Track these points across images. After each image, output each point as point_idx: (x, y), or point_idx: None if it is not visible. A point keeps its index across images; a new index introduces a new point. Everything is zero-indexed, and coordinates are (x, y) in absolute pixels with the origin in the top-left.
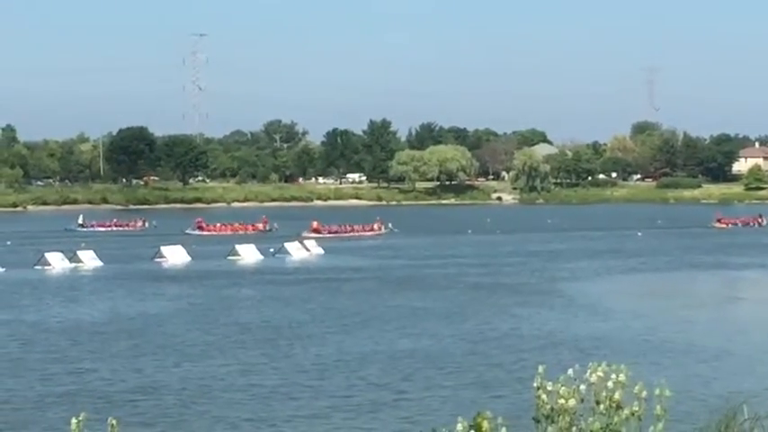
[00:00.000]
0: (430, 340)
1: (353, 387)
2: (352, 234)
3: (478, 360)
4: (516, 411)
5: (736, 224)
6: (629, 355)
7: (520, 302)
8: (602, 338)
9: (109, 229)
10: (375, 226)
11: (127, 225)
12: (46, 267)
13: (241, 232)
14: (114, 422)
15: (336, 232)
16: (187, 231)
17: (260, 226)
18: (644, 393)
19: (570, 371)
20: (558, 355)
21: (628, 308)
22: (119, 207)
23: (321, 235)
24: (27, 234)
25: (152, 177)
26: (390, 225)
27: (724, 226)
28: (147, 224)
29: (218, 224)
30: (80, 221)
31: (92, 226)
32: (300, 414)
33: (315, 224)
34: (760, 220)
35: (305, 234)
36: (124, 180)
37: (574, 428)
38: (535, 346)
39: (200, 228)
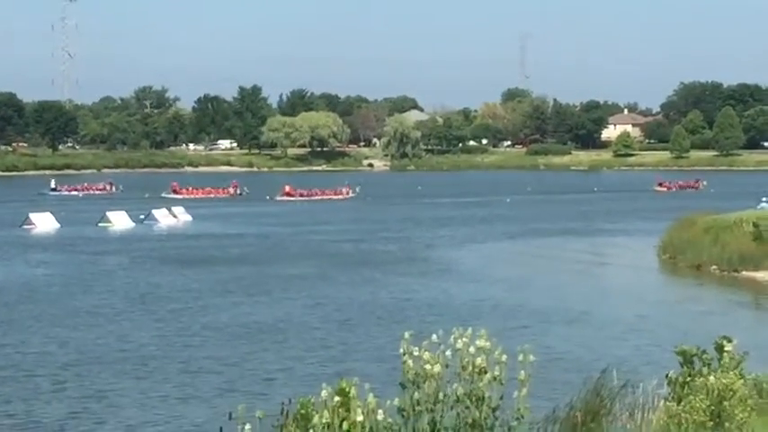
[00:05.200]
0: (301, 309)
1: (233, 356)
2: (321, 197)
3: (349, 328)
4: (387, 377)
5: (676, 188)
6: (496, 321)
7: (390, 270)
8: (471, 305)
9: (80, 192)
10: (344, 190)
11: (96, 189)
12: None
13: (213, 195)
14: None
15: (308, 195)
16: (163, 195)
17: (230, 190)
18: (504, 358)
19: (434, 336)
20: (427, 320)
21: (496, 274)
22: None
23: (293, 198)
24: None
25: (21, 144)
26: (358, 189)
27: (665, 189)
28: (114, 188)
29: (191, 188)
30: (52, 185)
31: (64, 189)
32: (174, 381)
33: (287, 188)
34: (696, 184)
35: (278, 197)
36: None
37: (440, 394)
38: (404, 313)
39: (175, 191)
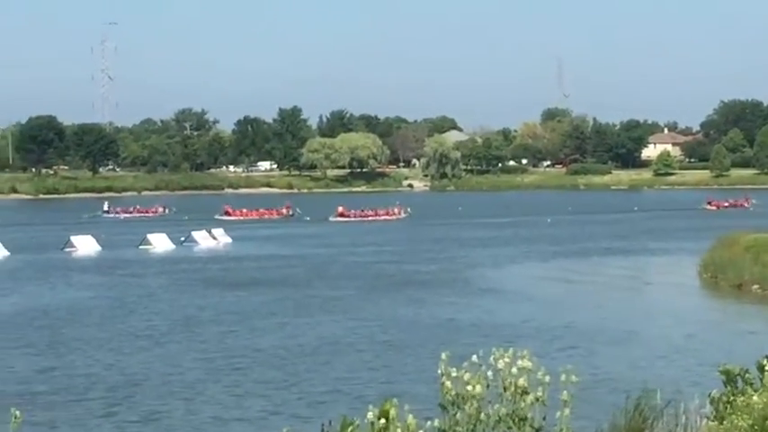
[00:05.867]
0: (345, 331)
1: (278, 379)
2: (374, 218)
3: (394, 349)
4: (433, 398)
5: (726, 206)
6: (533, 340)
7: (433, 291)
8: (508, 323)
9: (132, 215)
10: (395, 210)
11: (147, 211)
12: None
13: (266, 217)
14: (18, 413)
15: (361, 216)
16: (216, 216)
17: (283, 211)
18: (547, 378)
19: (474, 357)
20: (471, 341)
21: (539, 295)
22: (28, 197)
23: (347, 219)
24: (49, 220)
25: (61, 167)
26: (409, 209)
27: (714, 208)
28: (167, 210)
29: (245, 209)
30: (105, 208)
31: (116, 212)
32: (221, 403)
33: (341, 208)
34: (745, 203)
35: (331, 218)
36: (33, 170)
37: (482, 414)
38: (449, 334)
39: (228, 213)
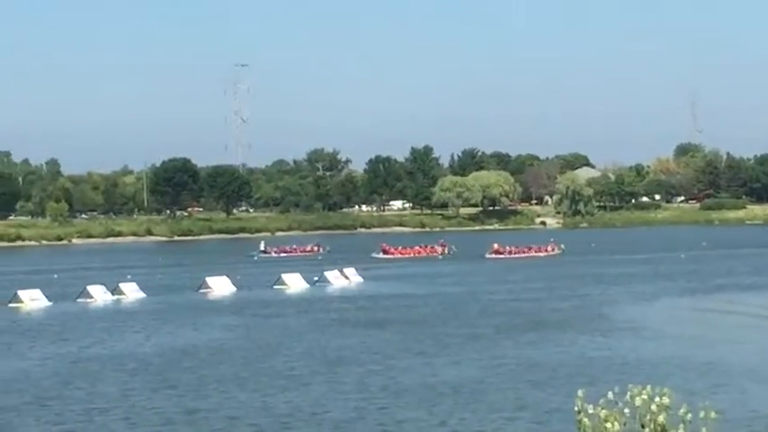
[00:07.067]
0: (486, 369)
1: (423, 419)
2: (529, 254)
3: (537, 388)
4: None
5: None
6: (675, 378)
7: (572, 328)
8: (649, 361)
9: (288, 254)
10: (549, 247)
11: (304, 250)
12: (88, 300)
13: (423, 255)
14: None
15: (515, 253)
16: (373, 255)
17: (438, 249)
18: (689, 416)
19: (610, 393)
20: (614, 378)
21: (678, 331)
22: (163, 239)
23: (502, 256)
24: (188, 261)
25: (196, 208)
26: (563, 246)
27: None
28: (321, 249)
29: (401, 247)
30: (262, 248)
31: (273, 252)
32: None
33: (496, 246)
34: None
35: (487, 255)
36: (168, 211)
37: None
38: (590, 372)
39: (385, 251)
